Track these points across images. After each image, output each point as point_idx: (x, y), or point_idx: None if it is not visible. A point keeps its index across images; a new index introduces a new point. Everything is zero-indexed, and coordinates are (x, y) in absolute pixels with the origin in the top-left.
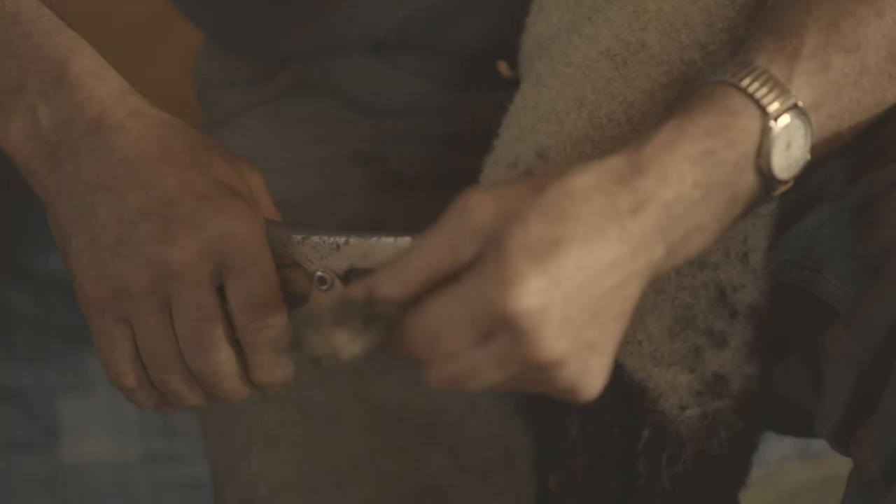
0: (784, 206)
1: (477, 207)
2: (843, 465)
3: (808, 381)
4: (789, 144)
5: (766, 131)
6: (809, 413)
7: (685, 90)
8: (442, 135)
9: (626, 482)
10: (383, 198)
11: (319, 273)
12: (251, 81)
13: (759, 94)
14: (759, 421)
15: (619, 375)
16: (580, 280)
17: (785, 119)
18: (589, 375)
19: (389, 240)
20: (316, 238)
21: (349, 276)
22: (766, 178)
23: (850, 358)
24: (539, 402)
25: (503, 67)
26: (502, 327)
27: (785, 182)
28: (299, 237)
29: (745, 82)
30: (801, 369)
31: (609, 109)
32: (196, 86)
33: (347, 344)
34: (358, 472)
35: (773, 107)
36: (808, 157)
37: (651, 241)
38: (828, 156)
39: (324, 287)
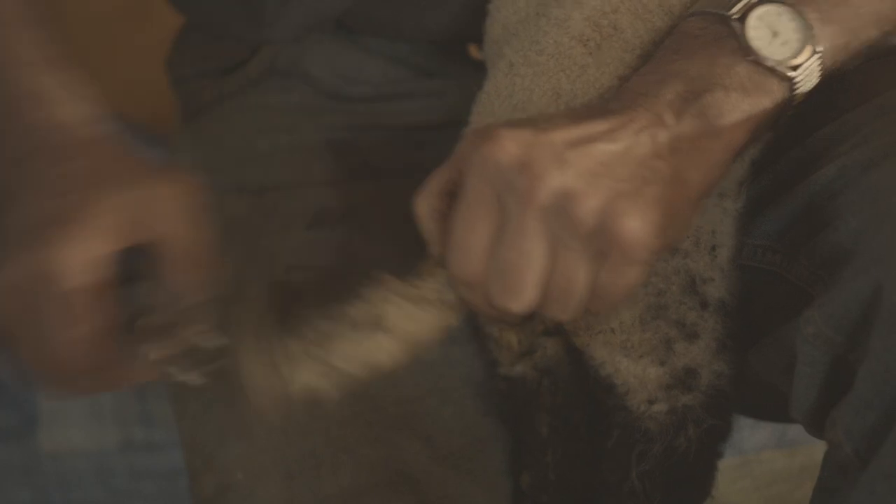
0: (754, 191)
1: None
2: (819, 453)
3: (783, 365)
4: (776, 33)
5: (736, 22)
6: (784, 397)
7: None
8: (413, 122)
9: (598, 481)
10: (354, 186)
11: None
12: (222, 72)
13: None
14: (728, 418)
15: (587, 373)
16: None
17: (758, 10)
18: (627, 219)
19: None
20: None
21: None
22: (770, 70)
23: (824, 341)
24: (510, 401)
25: (474, 51)
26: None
27: (798, 81)
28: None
29: None
30: (775, 353)
31: (585, 99)
32: (169, 78)
33: None
34: (334, 459)
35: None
36: (818, 49)
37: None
38: (851, 63)
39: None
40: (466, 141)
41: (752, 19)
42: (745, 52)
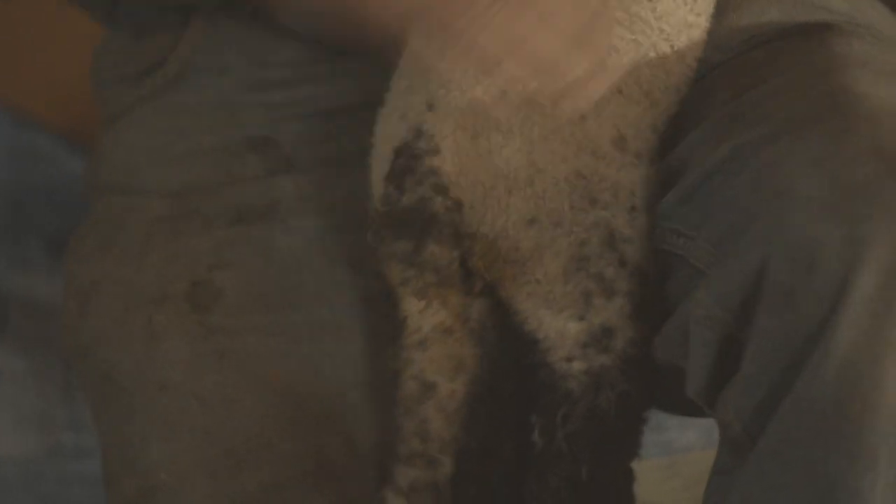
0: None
1: None
2: None
3: (683, 347)
4: None
5: None
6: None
7: None
8: (330, 107)
9: (526, 445)
10: (277, 183)
11: None
12: (139, 75)
13: None
14: (645, 387)
15: (510, 332)
16: None
17: None
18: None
19: None
20: None
21: None
22: None
23: (714, 320)
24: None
25: None
26: None
27: None
28: None
29: None
30: (676, 335)
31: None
32: (91, 85)
33: None
34: (255, 456)
35: None
36: None
37: None
38: None
39: None
40: None
41: None
42: None
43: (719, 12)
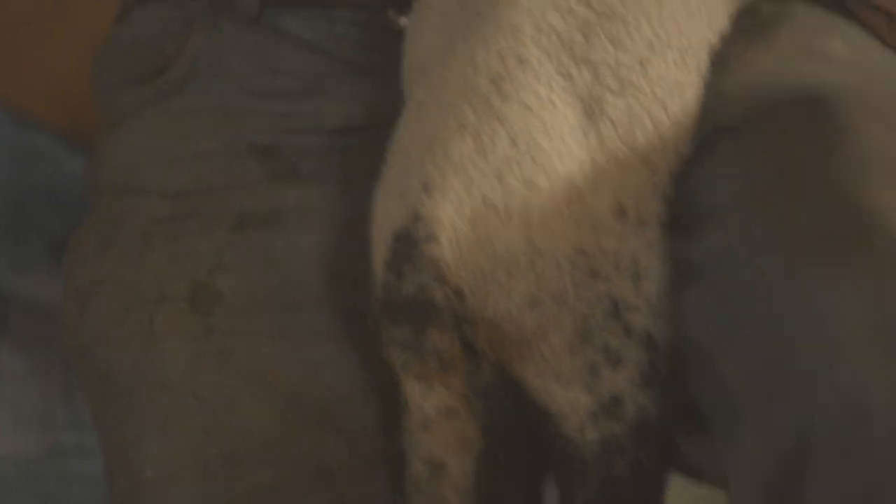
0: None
1: None
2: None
3: (718, 460)
4: None
5: None
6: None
7: None
8: (337, 127)
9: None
10: (279, 190)
11: None
12: (142, 79)
13: None
14: (659, 454)
15: (520, 405)
16: None
17: None
18: None
19: None
20: None
21: None
22: None
23: (760, 466)
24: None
25: (392, 14)
26: None
27: None
28: None
29: None
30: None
31: (491, 130)
32: (93, 89)
33: None
34: (254, 457)
35: None
36: None
37: None
38: None
39: None
40: None
41: None
42: None
43: (719, 62)
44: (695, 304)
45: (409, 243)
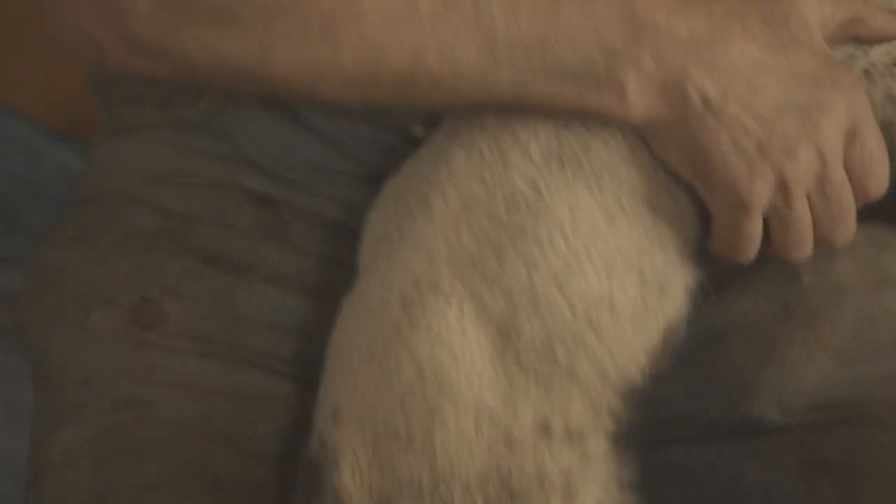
0: None
1: None
2: None
3: None
4: None
5: None
6: None
7: None
8: (332, 218)
9: None
10: (263, 244)
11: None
12: (157, 103)
13: None
14: None
15: None
16: None
17: None
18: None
19: None
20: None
21: None
22: None
23: None
24: None
25: (418, 130)
26: None
27: None
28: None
29: None
30: None
31: (397, 358)
32: (93, 91)
33: None
34: (152, 458)
35: None
36: None
37: None
38: None
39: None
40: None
41: None
42: None
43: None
44: None
45: (315, 472)
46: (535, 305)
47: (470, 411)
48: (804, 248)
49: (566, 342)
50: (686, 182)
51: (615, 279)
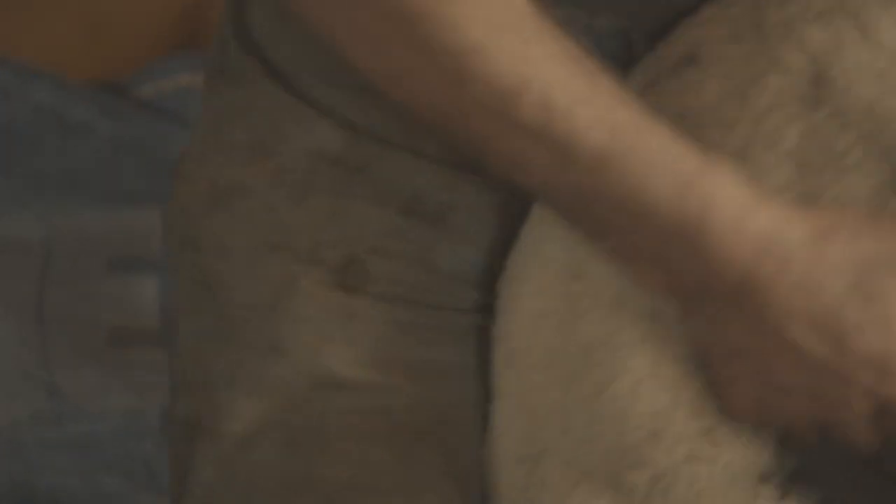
0: None
1: None
2: None
3: None
4: None
5: None
6: None
7: None
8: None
9: None
10: (455, 178)
11: None
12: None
13: None
14: None
15: None
16: None
17: None
18: None
19: None
20: None
21: None
22: None
23: None
24: None
25: None
26: None
27: None
28: None
29: None
30: None
31: None
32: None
33: None
34: (341, 447)
35: None
36: None
37: None
38: None
39: None
40: None
41: None
42: None
43: None
44: None
45: None
46: None
47: None
48: None
49: None
50: None
51: None
